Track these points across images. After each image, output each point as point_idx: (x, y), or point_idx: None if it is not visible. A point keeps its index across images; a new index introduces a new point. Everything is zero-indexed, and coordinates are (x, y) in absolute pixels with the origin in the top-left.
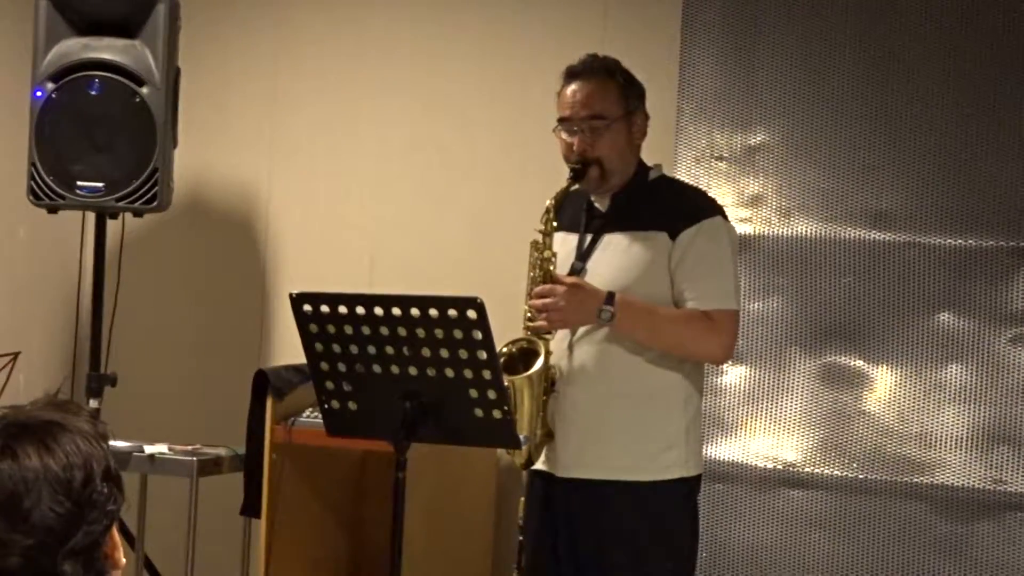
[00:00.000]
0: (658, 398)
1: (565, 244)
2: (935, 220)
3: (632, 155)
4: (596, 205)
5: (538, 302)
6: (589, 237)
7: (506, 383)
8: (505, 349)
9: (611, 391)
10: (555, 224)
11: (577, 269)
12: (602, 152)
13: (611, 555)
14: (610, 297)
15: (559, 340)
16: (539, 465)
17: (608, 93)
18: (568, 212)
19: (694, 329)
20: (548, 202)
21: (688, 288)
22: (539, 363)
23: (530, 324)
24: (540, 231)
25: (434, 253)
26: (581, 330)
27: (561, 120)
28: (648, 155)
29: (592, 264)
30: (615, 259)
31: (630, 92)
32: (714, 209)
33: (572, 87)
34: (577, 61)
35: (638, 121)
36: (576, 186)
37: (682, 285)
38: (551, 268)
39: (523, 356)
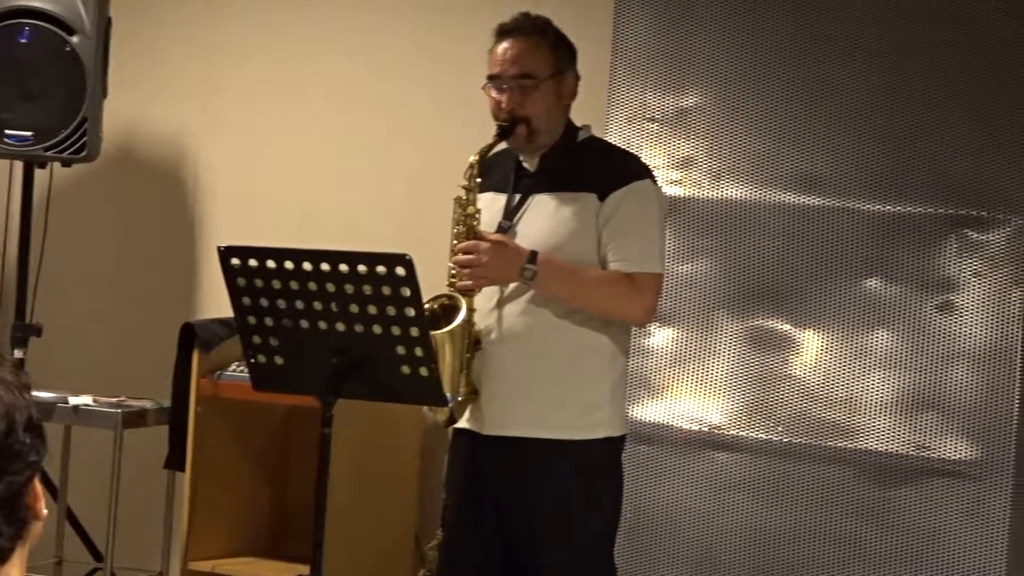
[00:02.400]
0: (585, 357)
1: (494, 204)
2: (864, 185)
3: (561, 115)
4: (525, 165)
5: (462, 258)
6: (517, 197)
7: None
8: (427, 305)
9: (538, 350)
10: (479, 180)
11: (504, 228)
12: (530, 111)
13: (537, 514)
14: (533, 256)
15: (486, 299)
16: (463, 423)
17: (539, 52)
18: (497, 173)
19: (615, 291)
20: (472, 157)
21: (613, 249)
22: (460, 318)
23: (454, 282)
24: (464, 187)
25: (367, 210)
26: (508, 289)
27: (491, 77)
28: (580, 115)
29: (520, 224)
30: (543, 219)
31: (561, 52)
32: (643, 172)
33: (503, 45)
34: (509, 19)
35: (568, 82)
36: (502, 143)
37: (608, 246)
38: (475, 224)
39: (445, 312)
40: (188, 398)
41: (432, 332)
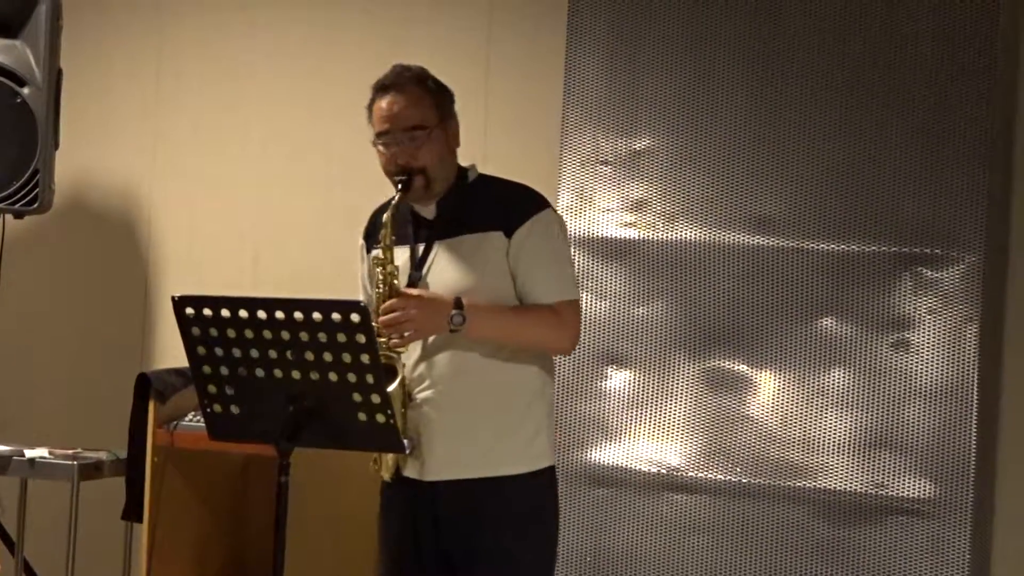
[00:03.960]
0: (518, 389)
1: (398, 258)
2: (817, 226)
3: (452, 160)
4: (422, 214)
5: (388, 317)
6: (421, 247)
7: None
8: None
9: (472, 388)
10: (394, 238)
11: (415, 280)
12: (425, 161)
13: (490, 548)
14: (458, 302)
15: (411, 351)
16: (404, 471)
17: (424, 102)
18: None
19: (543, 323)
20: (384, 216)
21: (530, 283)
22: (399, 379)
23: (384, 342)
24: (379, 246)
25: (317, 256)
26: (431, 338)
27: (380, 134)
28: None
29: (431, 273)
30: (454, 265)
31: (443, 99)
32: (543, 203)
33: (386, 100)
34: (384, 74)
35: (453, 126)
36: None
37: (524, 281)
38: (395, 283)
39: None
40: (144, 449)
41: None
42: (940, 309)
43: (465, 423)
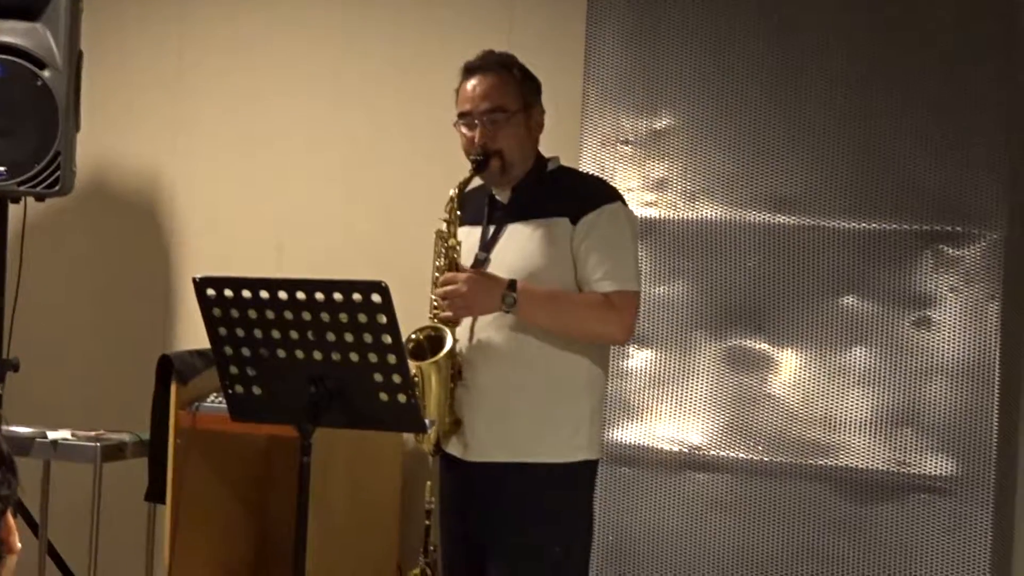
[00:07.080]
0: (564, 381)
1: (469, 237)
2: (838, 204)
3: (531, 147)
4: (498, 198)
5: (442, 290)
6: (492, 228)
7: (414, 369)
8: (413, 336)
9: (518, 375)
10: (459, 213)
11: (481, 260)
12: (503, 144)
13: (514, 535)
14: (512, 284)
15: (463, 329)
16: (449, 449)
17: (507, 87)
18: (471, 207)
19: (595, 312)
20: (451, 191)
21: (590, 272)
22: (447, 348)
23: (437, 314)
24: (444, 220)
25: (342, 239)
26: (485, 319)
27: (461, 115)
28: (554, 140)
29: (496, 254)
30: (519, 247)
31: (527, 86)
32: (613, 195)
33: (472, 82)
34: (474, 57)
35: (536, 114)
36: (478, 177)
37: (584, 269)
38: (456, 257)
39: (431, 343)
40: (167, 430)
41: (418, 363)
42: (962, 287)
43: (506, 408)
